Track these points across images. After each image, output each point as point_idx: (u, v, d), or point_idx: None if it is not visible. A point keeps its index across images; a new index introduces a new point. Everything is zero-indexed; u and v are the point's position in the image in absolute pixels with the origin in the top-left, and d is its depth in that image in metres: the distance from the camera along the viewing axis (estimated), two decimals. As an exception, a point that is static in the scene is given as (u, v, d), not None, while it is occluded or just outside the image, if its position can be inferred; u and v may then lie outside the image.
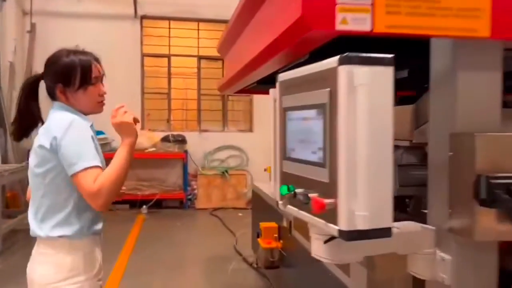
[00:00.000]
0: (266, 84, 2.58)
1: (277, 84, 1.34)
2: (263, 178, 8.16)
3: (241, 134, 8.37)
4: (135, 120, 1.74)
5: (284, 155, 1.28)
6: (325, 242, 1.13)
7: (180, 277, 4.28)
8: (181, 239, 5.68)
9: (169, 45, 8.13)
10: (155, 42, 8.08)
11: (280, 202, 1.32)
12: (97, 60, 1.78)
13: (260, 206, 4.16)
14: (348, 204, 0.97)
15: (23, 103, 1.78)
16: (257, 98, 8.29)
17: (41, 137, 1.66)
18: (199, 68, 8.25)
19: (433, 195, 1.33)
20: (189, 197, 7.73)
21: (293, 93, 1.22)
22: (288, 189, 1.23)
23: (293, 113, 1.22)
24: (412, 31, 1.06)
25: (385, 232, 1.00)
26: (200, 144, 8.06)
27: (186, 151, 7.69)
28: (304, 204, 1.12)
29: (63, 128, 1.60)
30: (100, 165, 1.61)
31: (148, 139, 7.42)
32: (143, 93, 8.01)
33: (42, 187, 1.67)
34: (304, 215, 1.15)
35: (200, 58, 8.26)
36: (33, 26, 7.39)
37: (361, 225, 0.94)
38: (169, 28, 8.11)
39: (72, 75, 1.68)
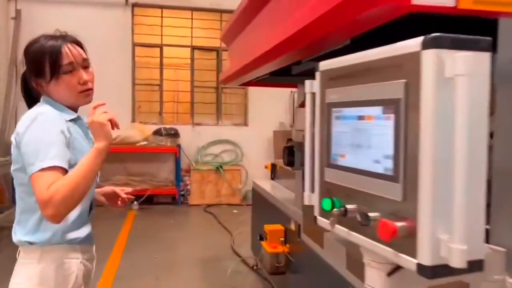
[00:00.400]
0: (279, 75, 2.36)
1: (318, 74, 1.10)
2: (258, 174, 7.95)
3: (236, 128, 8.12)
4: (113, 123, 1.48)
5: (328, 162, 1.05)
6: (389, 274, 0.91)
7: (175, 279, 4.04)
8: (174, 237, 5.43)
9: (161, 35, 7.81)
10: (146, 31, 7.75)
11: (321, 218, 1.09)
12: (77, 43, 1.54)
13: (261, 205, 3.94)
14: (433, 230, 0.75)
15: (26, 102, 1.62)
16: (253, 91, 8.03)
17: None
18: (192, 59, 7.96)
19: (500, 207, 1.11)
20: (182, 193, 7.47)
21: (343, 86, 0.99)
22: (333, 204, 1.00)
23: (343, 110, 0.99)
24: (507, 9, 0.83)
25: (477, 266, 0.78)
26: (193, 138, 7.78)
27: (179, 145, 7.41)
28: (362, 226, 0.89)
29: (26, 123, 1.42)
30: (62, 165, 1.36)
31: (139, 132, 7.13)
32: (134, 84, 7.69)
33: (16, 187, 1.50)
34: (361, 239, 0.93)
35: (193, 48, 7.97)
36: (18, 12, 7.01)
37: (456, 261, 0.71)
38: (162, 16, 7.78)
39: (41, 64, 1.46)
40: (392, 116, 0.81)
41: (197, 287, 3.86)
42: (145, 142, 7.17)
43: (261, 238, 3.25)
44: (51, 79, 1.47)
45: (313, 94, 1.14)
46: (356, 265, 2.00)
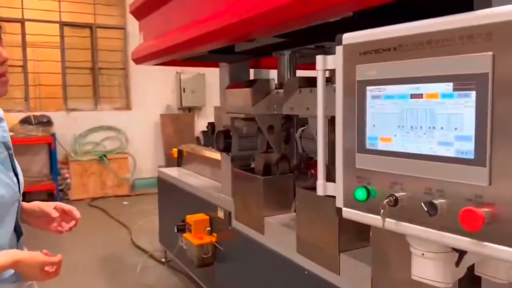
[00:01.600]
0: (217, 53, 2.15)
1: (339, 49, 0.97)
2: (147, 161, 7.52)
3: (118, 112, 7.49)
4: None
5: (361, 147, 0.94)
6: (457, 264, 0.84)
7: (77, 285, 3.57)
8: (62, 238, 4.80)
9: (22, 8, 6.72)
10: (3, 3, 6.59)
11: (348, 210, 0.99)
12: None
13: (171, 194, 3.68)
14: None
15: None
16: (135, 71, 7.48)
17: None
18: (62, 36, 7.04)
19: None
20: (61, 187, 6.67)
21: (384, 60, 0.88)
22: (369, 193, 0.90)
23: (385, 88, 0.88)
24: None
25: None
26: (68, 126, 6.96)
27: (53, 135, 6.56)
28: (428, 216, 0.81)
29: None
30: None
31: (2, 122, 6.09)
32: (-11, 65, 6.51)
33: None
34: (419, 229, 0.84)
35: (63, 24, 7.04)
36: None
37: None
38: (20, -14, 6.70)
39: None
40: (472, 93, 0.73)
41: (105, 291, 3.47)
42: (11, 133, 6.15)
43: (180, 230, 3.03)
44: None
45: (328, 71, 1.01)
46: (306, 247, 1.97)
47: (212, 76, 7.94)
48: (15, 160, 1.30)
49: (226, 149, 2.32)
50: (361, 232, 1.78)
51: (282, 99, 2.11)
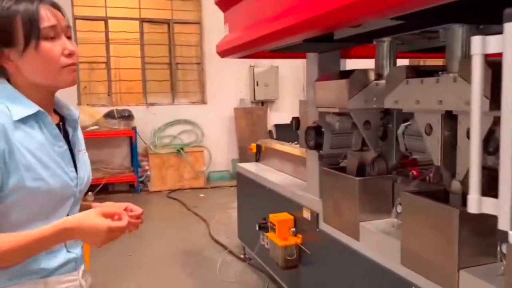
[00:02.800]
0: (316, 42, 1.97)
1: (511, 26, 0.75)
2: (221, 154, 7.57)
3: (194, 106, 7.60)
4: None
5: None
6: None
7: (160, 280, 3.61)
8: (143, 229, 4.92)
9: (106, 6, 7.00)
10: (88, 2, 6.92)
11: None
12: (57, 7, 1.18)
13: (250, 190, 3.58)
14: None
15: None
16: (209, 66, 7.53)
17: None
18: (142, 33, 7.25)
19: None
20: (141, 179, 6.90)
21: None
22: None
23: None
24: None
25: None
26: (148, 120, 7.17)
27: (134, 128, 6.79)
28: None
29: None
30: None
31: (88, 116, 6.40)
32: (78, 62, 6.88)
33: None
34: None
35: (142, 21, 7.25)
36: None
37: None
38: (104, -14, 6.98)
39: (11, 30, 1.11)
40: None
41: (188, 286, 3.46)
42: (96, 127, 6.48)
43: (262, 228, 2.91)
44: (26, 47, 1.11)
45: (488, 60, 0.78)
46: (414, 259, 1.74)
47: (286, 69, 7.77)
48: (84, 157, 1.30)
49: (317, 146, 2.14)
50: (483, 247, 1.54)
51: (383, 92, 1.90)
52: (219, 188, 7.00)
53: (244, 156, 7.38)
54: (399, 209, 1.91)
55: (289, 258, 2.64)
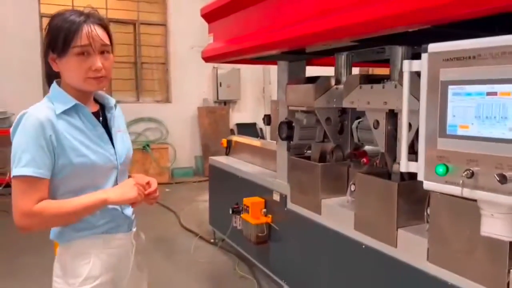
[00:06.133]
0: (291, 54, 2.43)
1: (425, 56, 1.24)
2: (185, 151, 7.89)
3: (158, 105, 7.88)
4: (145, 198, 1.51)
5: (442, 133, 1.21)
6: None
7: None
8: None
9: (72, 6, 7.13)
10: (55, 1, 7.02)
11: (428, 182, 1.26)
12: (103, 25, 1.44)
13: (224, 180, 3.99)
14: None
15: (46, 80, 1.56)
16: (174, 66, 7.85)
17: None
18: (108, 33, 7.43)
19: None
20: (107, 174, 7.08)
21: (465, 66, 1.14)
22: (447, 169, 1.17)
23: (465, 87, 1.14)
24: None
25: None
26: (113, 117, 7.36)
27: (100, 125, 6.97)
28: (500, 184, 1.07)
29: (14, 125, 1.38)
30: (34, 174, 1.32)
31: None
32: (45, 59, 6.96)
33: None
34: (491, 196, 1.10)
35: (109, 21, 7.40)
36: None
37: None
38: (70, -15, 7.11)
39: (56, 37, 1.38)
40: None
41: (165, 267, 3.81)
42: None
43: (235, 212, 3.34)
44: (61, 55, 1.37)
45: (413, 73, 1.27)
46: (364, 225, 2.23)
47: (247, 71, 8.24)
48: (120, 137, 1.57)
49: (288, 138, 2.60)
50: (415, 212, 2.05)
51: (341, 94, 2.38)
52: (184, 183, 7.34)
53: (207, 153, 7.75)
54: (352, 188, 2.40)
55: (260, 234, 3.09)
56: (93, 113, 1.49)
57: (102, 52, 1.41)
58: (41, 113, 1.34)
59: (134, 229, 1.63)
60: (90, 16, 1.41)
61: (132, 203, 1.49)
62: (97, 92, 1.57)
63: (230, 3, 2.36)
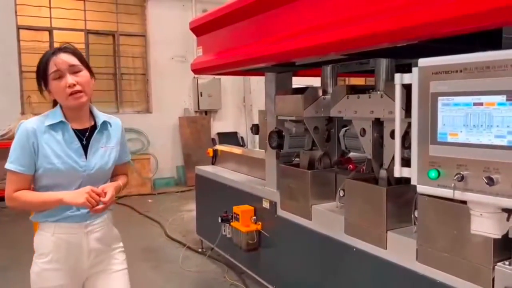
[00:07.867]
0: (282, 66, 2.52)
1: (415, 70, 1.34)
2: (167, 161, 7.87)
3: (139, 115, 7.86)
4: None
5: (433, 140, 1.31)
6: (508, 219, 1.22)
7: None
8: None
9: (51, 17, 7.09)
10: (32, 12, 6.96)
11: (422, 186, 1.35)
12: (70, 51, 1.72)
13: (211, 189, 4.04)
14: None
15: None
16: (154, 77, 7.86)
17: None
18: (87, 44, 7.40)
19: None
20: (88, 187, 7.00)
21: (453, 79, 1.25)
22: (439, 174, 1.27)
23: (453, 98, 1.25)
24: None
25: None
26: (93, 128, 7.30)
27: (80, 137, 6.89)
28: (488, 186, 1.17)
29: (15, 130, 1.74)
30: (16, 170, 1.68)
31: (34, 125, 6.42)
32: (21, 71, 6.86)
33: None
34: (479, 197, 1.21)
35: (88, 32, 7.41)
36: None
37: None
38: (49, -4, 7.06)
39: (39, 72, 1.74)
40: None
41: (154, 278, 3.82)
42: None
43: (224, 220, 3.39)
44: (46, 84, 1.72)
45: (404, 86, 1.38)
46: (354, 228, 2.32)
47: (227, 81, 8.32)
48: (101, 152, 1.81)
49: (279, 146, 2.68)
50: (402, 215, 2.15)
51: (328, 104, 2.49)
52: (166, 193, 7.32)
53: (188, 163, 7.77)
54: (341, 193, 2.50)
55: (250, 242, 3.15)
56: (82, 130, 1.78)
57: (74, 72, 1.70)
58: (30, 124, 1.69)
59: (89, 221, 1.81)
60: (59, 49, 1.72)
61: (91, 208, 1.69)
62: (94, 112, 1.86)
63: (220, 17, 2.44)
